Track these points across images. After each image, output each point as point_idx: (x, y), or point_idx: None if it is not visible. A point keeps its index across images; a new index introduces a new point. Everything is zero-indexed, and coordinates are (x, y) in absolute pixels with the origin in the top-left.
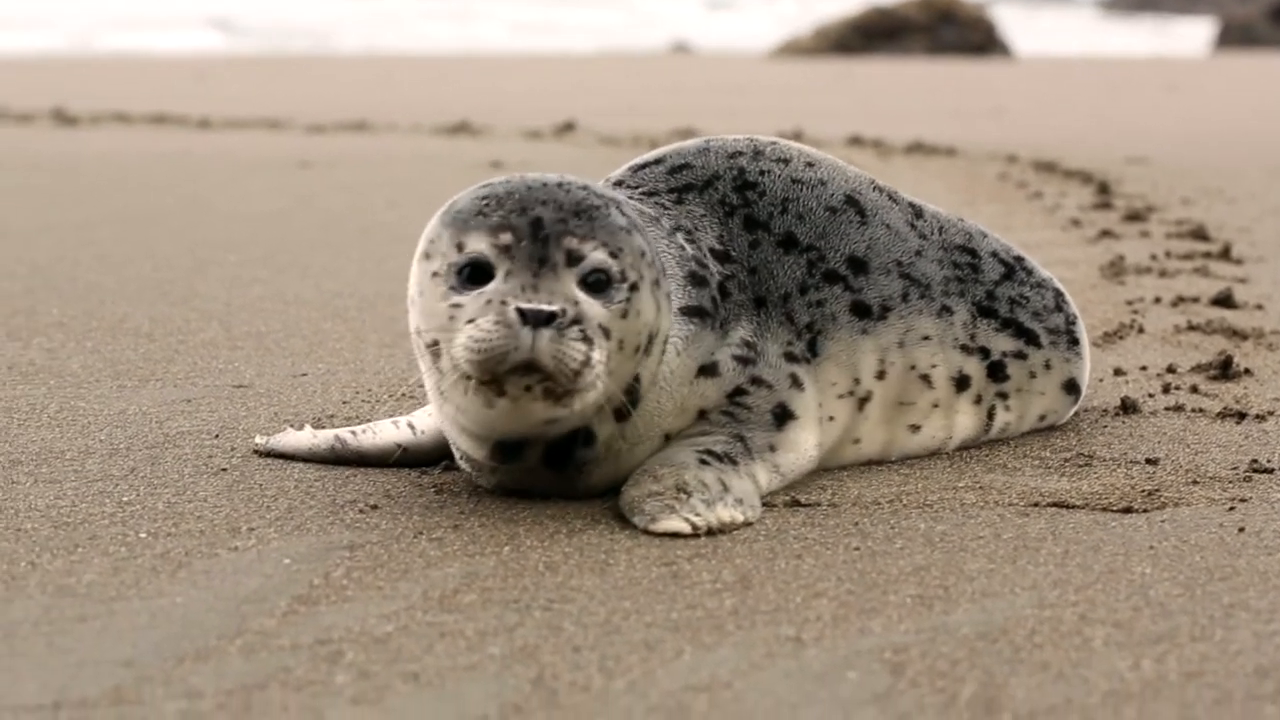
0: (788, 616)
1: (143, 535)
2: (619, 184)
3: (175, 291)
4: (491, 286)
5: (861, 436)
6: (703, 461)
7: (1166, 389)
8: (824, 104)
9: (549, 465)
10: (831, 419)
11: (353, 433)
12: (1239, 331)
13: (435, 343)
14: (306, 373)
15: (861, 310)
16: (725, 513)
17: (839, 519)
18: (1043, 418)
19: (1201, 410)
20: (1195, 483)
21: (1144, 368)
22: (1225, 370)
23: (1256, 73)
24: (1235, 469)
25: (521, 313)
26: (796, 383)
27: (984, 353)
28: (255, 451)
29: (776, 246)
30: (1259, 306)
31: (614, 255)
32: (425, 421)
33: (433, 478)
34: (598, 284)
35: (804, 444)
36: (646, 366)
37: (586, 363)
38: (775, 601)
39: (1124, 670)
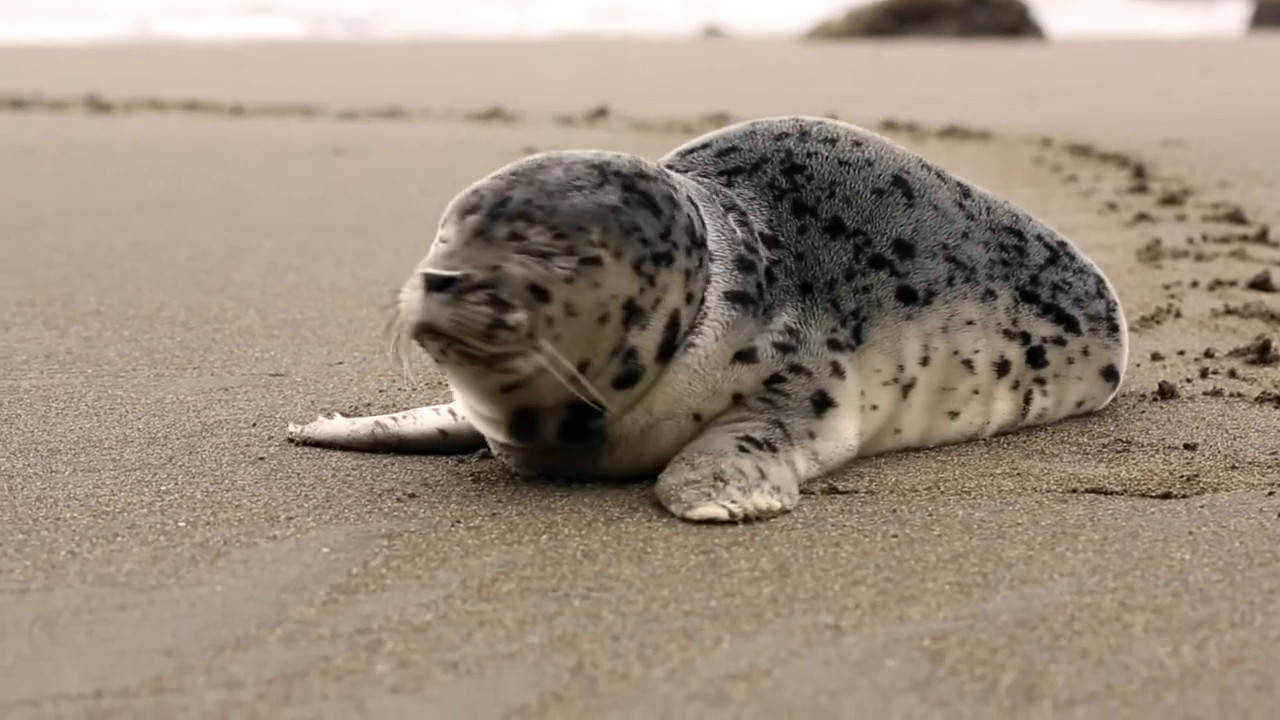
0: (826, 604)
1: (181, 524)
2: (669, 168)
3: (211, 279)
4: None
5: (903, 426)
6: (741, 449)
7: (1204, 374)
8: (857, 87)
9: (566, 438)
10: (875, 407)
11: (393, 418)
12: (1277, 315)
13: None
14: (343, 361)
15: (907, 295)
16: (763, 500)
17: (877, 506)
18: (1080, 404)
19: (1240, 395)
20: (1234, 468)
21: (1181, 352)
22: (1263, 354)
23: None
24: (1274, 454)
25: (425, 278)
26: (838, 370)
27: (1024, 338)
28: (289, 440)
29: (823, 232)
30: None
31: (561, 236)
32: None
33: (470, 466)
34: (542, 253)
35: (844, 432)
36: (642, 340)
37: (497, 325)
38: (814, 589)
39: (1164, 657)
